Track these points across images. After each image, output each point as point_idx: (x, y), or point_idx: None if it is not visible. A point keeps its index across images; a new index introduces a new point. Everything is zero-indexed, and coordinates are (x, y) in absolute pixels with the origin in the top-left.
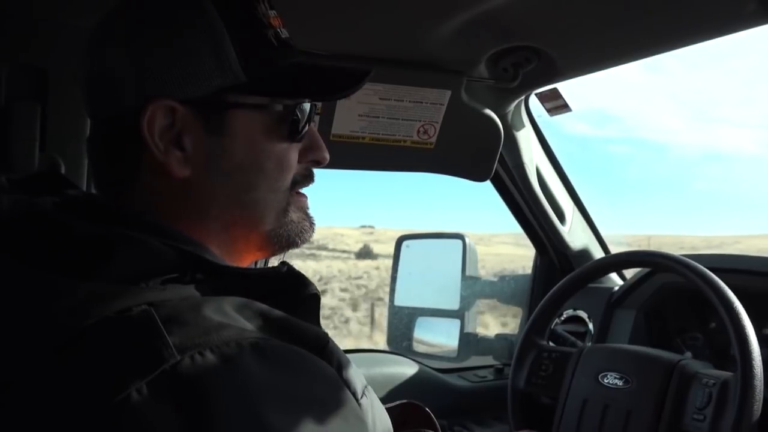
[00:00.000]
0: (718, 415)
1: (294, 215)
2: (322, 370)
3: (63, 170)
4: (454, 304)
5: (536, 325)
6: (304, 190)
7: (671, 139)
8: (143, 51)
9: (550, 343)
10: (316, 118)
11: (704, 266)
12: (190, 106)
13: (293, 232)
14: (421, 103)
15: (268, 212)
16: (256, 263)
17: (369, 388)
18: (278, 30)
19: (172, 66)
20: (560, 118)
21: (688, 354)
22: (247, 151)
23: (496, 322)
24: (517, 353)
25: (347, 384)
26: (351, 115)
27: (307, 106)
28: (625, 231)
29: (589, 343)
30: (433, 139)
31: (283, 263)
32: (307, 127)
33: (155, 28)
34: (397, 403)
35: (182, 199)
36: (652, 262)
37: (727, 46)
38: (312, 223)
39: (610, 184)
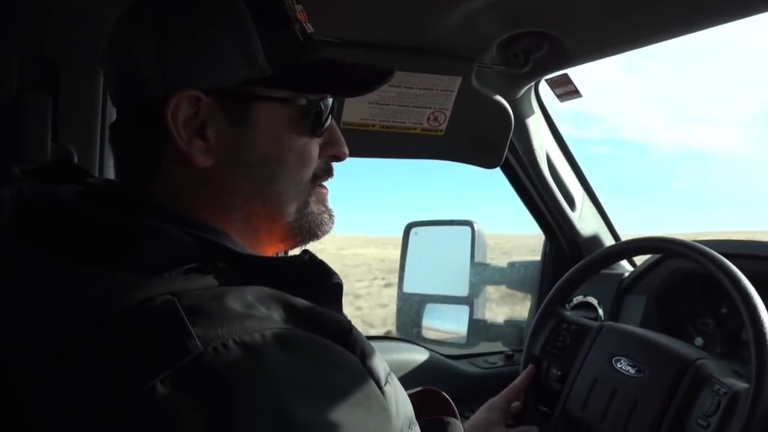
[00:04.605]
0: (722, 427)
1: (314, 207)
2: (345, 360)
3: (76, 160)
4: (463, 291)
5: (558, 296)
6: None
7: (651, 138)
8: (171, 42)
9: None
10: None
11: (717, 252)
12: (215, 97)
13: (313, 224)
14: (432, 90)
15: (290, 204)
16: (277, 254)
17: (392, 375)
18: (304, 24)
19: (199, 57)
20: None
21: (699, 340)
22: (270, 143)
23: (506, 309)
24: (536, 320)
25: (370, 372)
26: (361, 103)
27: (330, 100)
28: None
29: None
30: (443, 126)
31: (305, 252)
32: (328, 122)
33: (183, 20)
34: (417, 389)
35: (204, 189)
36: (669, 248)
37: (704, 46)
38: (331, 216)
39: (594, 184)
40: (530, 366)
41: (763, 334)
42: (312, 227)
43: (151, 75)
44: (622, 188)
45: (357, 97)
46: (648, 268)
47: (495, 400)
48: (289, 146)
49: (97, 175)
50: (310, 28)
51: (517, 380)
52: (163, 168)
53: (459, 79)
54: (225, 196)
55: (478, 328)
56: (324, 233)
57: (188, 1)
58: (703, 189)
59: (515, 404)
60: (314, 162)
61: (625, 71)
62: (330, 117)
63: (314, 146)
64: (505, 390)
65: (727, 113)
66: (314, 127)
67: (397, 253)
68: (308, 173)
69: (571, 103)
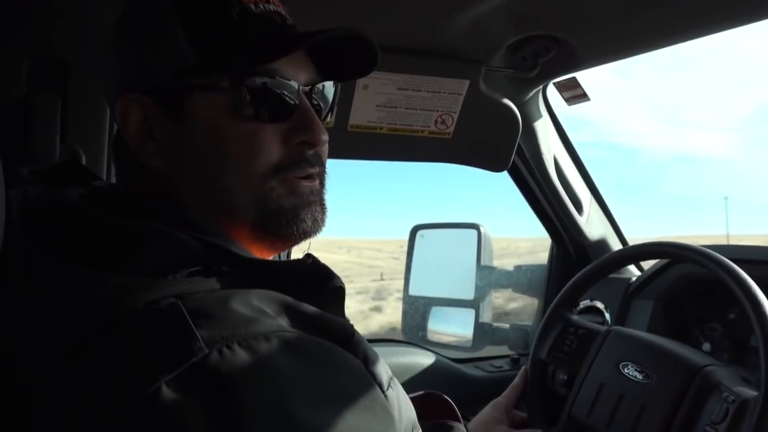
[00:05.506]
0: None
1: (285, 202)
2: (349, 363)
3: (84, 161)
4: (468, 294)
5: (565, 300)
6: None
7: (643, 142)
8: (116, 47)
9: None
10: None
11: (726, 257)
12: (153, 95)
13: (284, 221)
14: (439, 93)
15: (241, 200)
16: (279, 256)
17: (395, 379)
18: (250, 5)
19: (133, 58)
20: None
21: (707, 345)
22: (209, 134)
23: (512, 312)
24: (543, 324)
25: (374, 376)
26: (368, 106)
27: (283, 82)
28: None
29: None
30: (451, 129)
31: (308, 255)
32: (291, 106)
33: (124, 24)
34: (418, 393)
35: (161, 190)
36: (676, 253)
37: (694, 51)
38: (319, 211)
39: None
40: (523, 368)
41: None
42: (282, 226)
43: (108, 80)
44: (615, 192)
45: (353, 90)
46: (655, 272)
47: (499, 399)
48: (231, 135)
49: (105, 176)
50: (261, 8)
51: (516, 379)
52: (135, 171)
53: (467, 82)
54: (179, 196)
55: (484, 331)
56: (305, 231)
57: (133, 6)
58: (695, 193)
59: (518, 414)
60: (267, 150)
61: (616, 75)
62: (286, 100)
63: (266, 133)
64: (507, 389)
65: (718, 118)
66: (259, 111)
67: (347, 258)
68: (261, 164)
69: (565, 107)
